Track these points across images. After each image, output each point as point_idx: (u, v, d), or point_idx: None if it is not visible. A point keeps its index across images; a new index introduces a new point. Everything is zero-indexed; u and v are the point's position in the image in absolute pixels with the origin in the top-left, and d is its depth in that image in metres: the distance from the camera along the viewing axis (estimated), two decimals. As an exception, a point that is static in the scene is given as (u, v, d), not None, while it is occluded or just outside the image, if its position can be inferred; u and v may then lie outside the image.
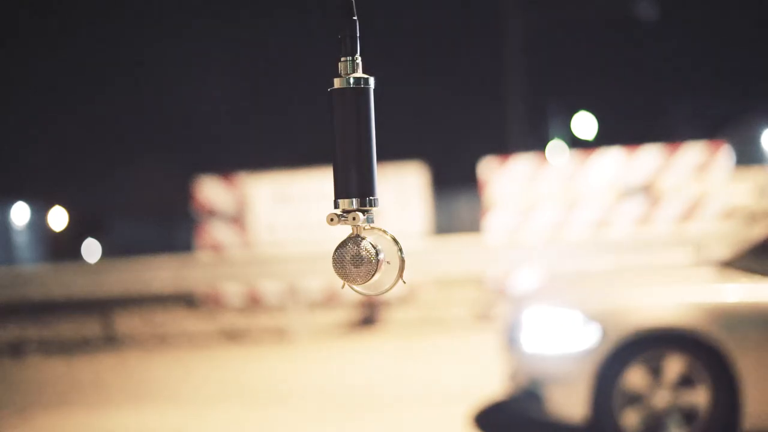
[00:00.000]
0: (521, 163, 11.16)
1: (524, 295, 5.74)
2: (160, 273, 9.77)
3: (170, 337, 9.91)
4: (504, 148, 17.42)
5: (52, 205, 32.98)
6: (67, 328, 10.48)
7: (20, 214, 31.12)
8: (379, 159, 1.49)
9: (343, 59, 1.48)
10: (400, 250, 1.49)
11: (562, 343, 4.76)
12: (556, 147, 22.43)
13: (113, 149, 36.67)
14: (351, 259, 1.47)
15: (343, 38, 1.48)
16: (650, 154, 10.91)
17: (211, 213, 11.71)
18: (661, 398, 4.62)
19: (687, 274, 5.78)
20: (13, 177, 33.34)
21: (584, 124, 23.05)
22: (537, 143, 21.09)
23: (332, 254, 1.48)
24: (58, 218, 33.47)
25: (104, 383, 7.67)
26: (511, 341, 5.13)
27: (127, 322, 10.53)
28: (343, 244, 1.48)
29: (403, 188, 11.74)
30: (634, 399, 4.64)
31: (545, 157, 13.03)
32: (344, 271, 1.48)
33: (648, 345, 4.65)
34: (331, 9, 1.50)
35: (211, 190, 11.75)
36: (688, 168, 10.79)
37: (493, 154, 11.74)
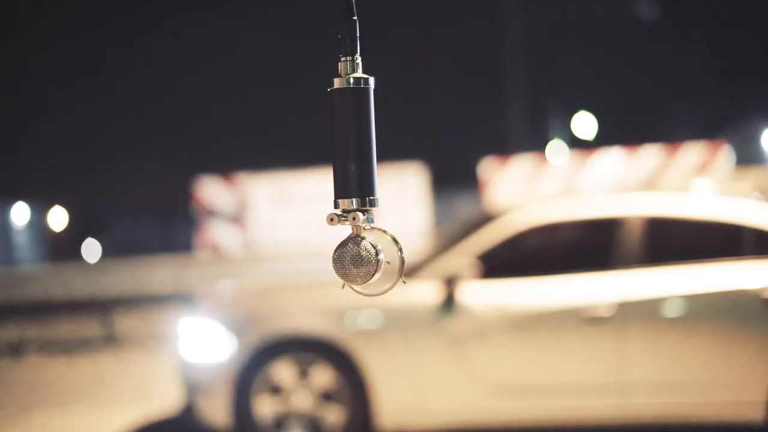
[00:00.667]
0: (521, 163, 11.16)
1: (190, 305, 5.88)
2: (159, 273, 9.77)
3: (170, 337, 9.91)
4: (504, 148, 17.41)
5: (52, 205, 32.98)
6: (67, 328, 10.46)
7: (20, 214, 31.10)
8: (379, 159, 1.49)
9: (343, 59, 1.48)
10: (400, 250, 1.49)
11: (206, 354, 4.91)
12: (556, 147, 22.42)
13: (113, 149, 36.67)
14: (351, 259, 1.46)
15: (343, 38, 1.48)
16: (650, 154, 10.91)
17: (211, 213, 11.71)
18: (301, 402, 4.76)
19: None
20: (13, 177, 33.34)
21: (584, 124, 23.04)
22: (537, 143, 21.08)
23: (332, 254, 1.47)
24: (58, 218, 33.46)
25: (104, 383, 7.67)
26: (176, 351, 5.28)
27: (127, 322, 10.52)
28: (343, 244, 1.48)
29: (403, 188, 11.74)
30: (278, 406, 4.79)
31: (545, 157, 13.03)
32: (344, 271, 1.47)
33: (278, 352, 4.79)
34: (331, 9, 1.50)
35: (211, 190, 11.75)
36: (688, 168, 10.80)
37: (493, 154, 11.74)
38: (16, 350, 9.63)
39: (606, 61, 31.08)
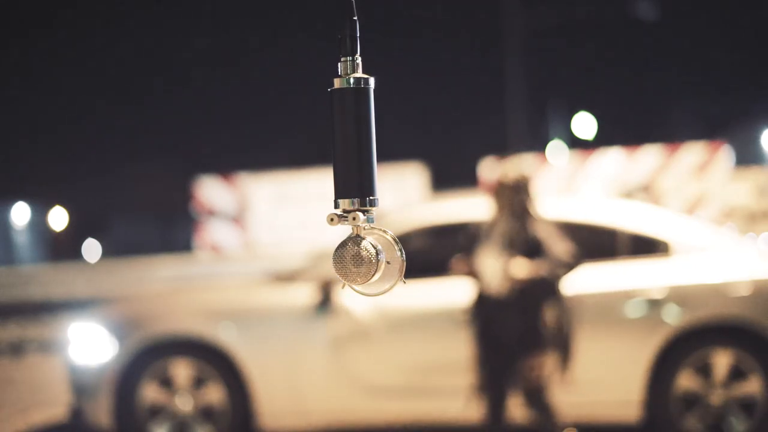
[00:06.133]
0: (521, 163, 11.15)
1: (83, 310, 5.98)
2: (160, 273, 9.76)
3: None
4: (504, 148, 17.41)
5: (52, 205, 32.99)
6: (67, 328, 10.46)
7: (20, 214, 31.11)
8: (379, 159, 1.49)
9: (343, 59, 1.48)
10: (400, 250, 1.49)
11: (90, 357, 4.96)
12: (556, 147, 22.42)
13: (113, 149, 36.68)
14: (351, 259, 1.46)
15: (343, 38, 1.48)
16: (650, 154, 10.90)
17: (211, 213, 11.70)
18: (183, 405, 4.80)
19: (225, 283, 6.25)
20: (13, 177, 33.35)
21: (584, 124, 23.03)
22: (537, 143, 21.09)
23: (332, 254, 1.47)
24: (58, 218, 33.46)
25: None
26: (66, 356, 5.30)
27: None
28: (343, 244, 1.47)
29: (403, 189, 11.73)
30: (156, 411, 4.82)
31: (545, 158, 13.03)
32: (344, 271, 1.47)
33: (158, 354, 4.85)
34: (331, 9, 1.50)
35: (211, 190, 11.75)
36: (688, 168, 10.80)
37: (493, 154, 11.73)
38: (16, 350, 9.63)
39: (606, 61, 31.09)
